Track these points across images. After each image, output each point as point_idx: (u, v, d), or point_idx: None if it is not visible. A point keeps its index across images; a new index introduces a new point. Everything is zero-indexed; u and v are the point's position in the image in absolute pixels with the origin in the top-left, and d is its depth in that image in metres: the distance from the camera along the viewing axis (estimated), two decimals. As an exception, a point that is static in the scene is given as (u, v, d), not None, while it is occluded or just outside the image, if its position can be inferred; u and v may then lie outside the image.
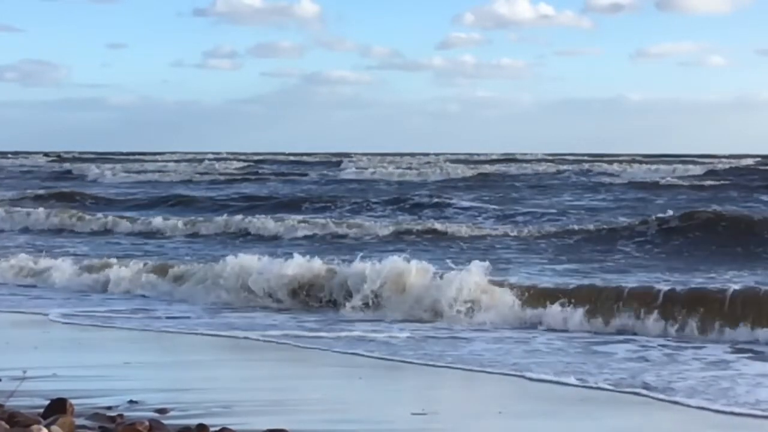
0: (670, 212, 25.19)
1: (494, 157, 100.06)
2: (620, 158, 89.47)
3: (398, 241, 25.01)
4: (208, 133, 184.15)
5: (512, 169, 67.25)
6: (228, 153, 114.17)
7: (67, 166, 77.78)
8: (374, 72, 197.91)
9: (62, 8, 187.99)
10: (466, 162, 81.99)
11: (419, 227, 26.91)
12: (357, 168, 68.24)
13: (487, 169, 65.99)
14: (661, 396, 9.56)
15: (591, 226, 25.95)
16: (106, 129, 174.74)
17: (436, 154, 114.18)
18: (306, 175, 62.03)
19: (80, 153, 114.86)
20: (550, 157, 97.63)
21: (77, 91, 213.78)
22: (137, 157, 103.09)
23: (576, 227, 25.87)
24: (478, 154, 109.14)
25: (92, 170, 66.74)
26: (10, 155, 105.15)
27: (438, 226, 27.00)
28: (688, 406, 9.21)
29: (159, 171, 67.47)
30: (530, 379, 10.41)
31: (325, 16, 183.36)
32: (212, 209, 35.62)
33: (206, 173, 64.81)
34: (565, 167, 67.69)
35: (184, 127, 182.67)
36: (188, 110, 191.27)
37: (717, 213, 25.43)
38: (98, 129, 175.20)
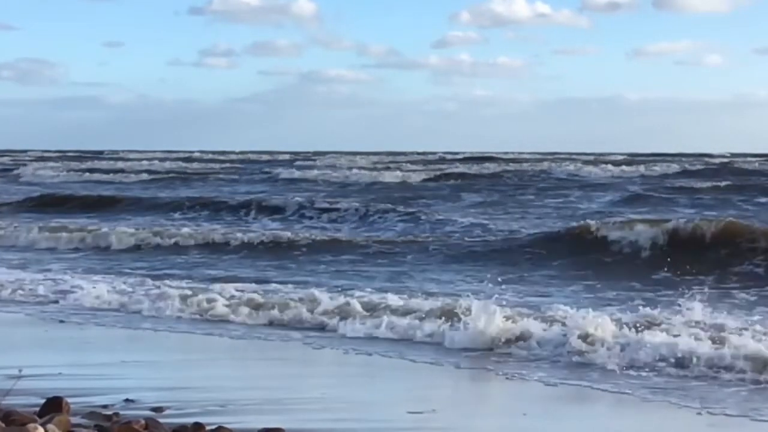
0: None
1: (466, 155, 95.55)
2: (614, 157, 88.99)
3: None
4: (205, 131, 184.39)
5: (472, 168, 62.45)
6: (219, 152, 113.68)
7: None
8: (371, 71, 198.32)
9: (59, 6, 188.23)
10: (434, 162, 79.25)
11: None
12: (296, 169, 63.93)
13: (430, 169, 62.23)
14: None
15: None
16: (104, 128, 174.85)
17: (425, 153, 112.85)
18: (255, 174, 60.03)
19: (45, 151, 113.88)
20: (529, 156, 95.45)
21: (74, 89, 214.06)
22: (115, 155, 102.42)
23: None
24: (458, 153, 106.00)
25: (20, 169, 66.78)
26: (7, 154, 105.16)
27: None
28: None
29: (94, 170, 65.93)
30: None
31: (322, 15, 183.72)
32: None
33: (155, 172, 62.35)
34: (514, 167, 64.90)
35: (181, 126, 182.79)
36: (185, 109, 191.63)
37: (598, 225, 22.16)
38: (96, 128, 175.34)
